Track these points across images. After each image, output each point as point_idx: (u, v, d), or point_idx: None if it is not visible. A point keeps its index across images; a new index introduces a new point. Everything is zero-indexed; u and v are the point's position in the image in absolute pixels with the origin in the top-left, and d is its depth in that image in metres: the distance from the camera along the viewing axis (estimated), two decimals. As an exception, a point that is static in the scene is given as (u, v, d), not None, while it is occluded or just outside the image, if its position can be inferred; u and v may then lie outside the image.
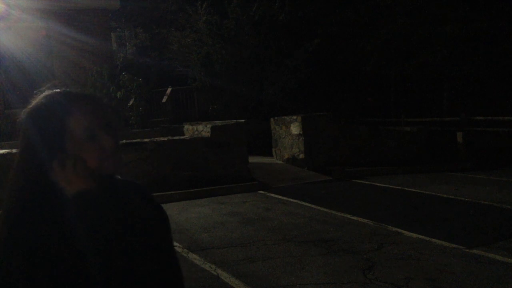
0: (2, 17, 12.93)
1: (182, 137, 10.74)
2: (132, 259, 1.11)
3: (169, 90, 16.28)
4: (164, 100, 16.04)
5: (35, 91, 1.24)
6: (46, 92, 1.22)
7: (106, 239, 1.09)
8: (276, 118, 12.64)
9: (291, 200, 8.61)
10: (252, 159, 11.27)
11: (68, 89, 1.23)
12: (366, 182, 10.15)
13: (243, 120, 11.27)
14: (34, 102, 1.21)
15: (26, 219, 1.10)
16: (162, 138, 10.44)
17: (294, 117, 11.82)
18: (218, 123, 11.31)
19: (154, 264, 1.14)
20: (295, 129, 11.73)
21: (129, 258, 1.11)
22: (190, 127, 12.09)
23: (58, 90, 1.22)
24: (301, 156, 11.58)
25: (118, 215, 1.14)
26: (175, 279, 1.20)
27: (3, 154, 8.03)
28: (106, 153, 1.16)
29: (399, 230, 6.33)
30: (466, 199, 8.11)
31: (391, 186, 9.59)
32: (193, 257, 5.55)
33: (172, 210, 8.07)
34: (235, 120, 11.47)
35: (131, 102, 14.02)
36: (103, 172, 1.17)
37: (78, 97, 1.20)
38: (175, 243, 6.03)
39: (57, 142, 1.14)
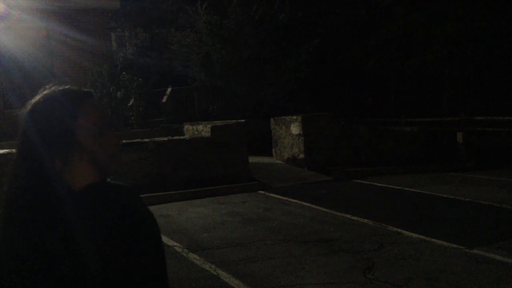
0: (2, 17, 12.93)
1: (182, 137, 10.74)
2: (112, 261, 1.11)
3: (169, 90, 16.29)
4: (164, 100, 16.05)
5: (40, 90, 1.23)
6: (49, 90, 1.22)
7: (103, 236, 1.10)
8: (276, 118, 12.64)
9: (291, 200, 8.61)
10: (252, 159, 11.27)
11: (72, 87, 1.23)
12: (366, 182, 10.14)
13: (243, 120, 11.27)
14: (37, 98, 1.20)
15: (27, 217, 1.10)
16: (162, 138, 10.44)
17: (294, 117, 11.82)
18: (218, 123, 11.31)
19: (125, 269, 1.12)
20: (295, 129, 11.73)
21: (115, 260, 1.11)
22: (190, 127, 12.09)
23: (63, 87, 1.22)
24: (301, 156, 11.58)
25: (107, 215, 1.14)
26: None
27: (3, 154, 8.03)
28: (111, 150, 1.18)
29: (399, 230, 6.33)
30: (466, 199, 8.11)
31: (391, 186, 9.59)
32: (193, 257, 5.55)
33: (172, 210, 8.07)
34: (235, 120, 11.47)
35: (131, 102, 14.02)
36: (106, 171, 1.19)
37: (84, 95, 1.22)
38: (175, 243, 6.05)
39: (65, 139, 1.15)
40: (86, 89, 1.25)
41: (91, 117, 1.18)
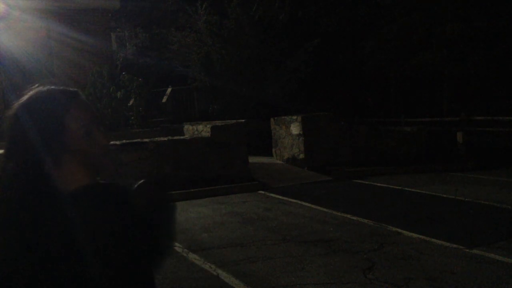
0: (2, 17, 12.92)
1: (182, 137, 10.74)
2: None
3: (169, 90, 16.30)
4: (164, 100, 16.05)
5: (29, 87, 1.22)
6: (40, 88, 1.21)
7: (104, 236, 1.09)
8: (276, 118, 12.64)
9: (291, 200, 8.61)
10: (252, 159, 11.27)
11: (62, 87, 1.22)
12: (366, 182, 10.14)
13: (243, 120, 11.26)
14: (27, 96, 1.18)
15: (25, 218, 1.09)
16: (162, 138, 10.44)
17: (294, 117, 11.82)
18: (218, 123, 11.31)
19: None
20: (295, 129, 11.73)
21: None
22: (190, 127, 12.08)
23: (53, 86, 1.21)
24: (301, 156, 11.58)
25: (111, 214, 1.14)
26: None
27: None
28: (100, 150, 1.17)
29: (399, 230, 6.33)
30: (466, 199, 8.10)
31: (391, 186, 9.59)
32: (193, 257, 5.55)
33: (172, 210, 8.06)
34: (235, 120, 11.47)
35: (131, 102, 14.01)
36: (101, 170, 1.18)
37: (73, 93, 1.21)
38: (175, 243, 6.04)
39: (56, 138, 1.13)
40: (73, 89, 1.24)
41: (82, 116, 1.18)
